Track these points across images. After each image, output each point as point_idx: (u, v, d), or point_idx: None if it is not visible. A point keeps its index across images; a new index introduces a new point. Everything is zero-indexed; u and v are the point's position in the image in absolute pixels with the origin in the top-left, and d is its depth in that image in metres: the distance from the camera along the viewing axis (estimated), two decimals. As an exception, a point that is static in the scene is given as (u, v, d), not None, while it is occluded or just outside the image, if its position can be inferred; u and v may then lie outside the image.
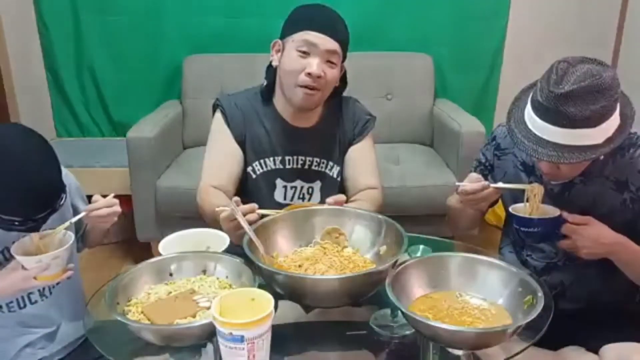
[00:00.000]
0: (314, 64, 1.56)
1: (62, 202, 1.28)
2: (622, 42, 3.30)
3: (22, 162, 1.20)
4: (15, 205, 1.21)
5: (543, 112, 1.25)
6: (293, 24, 1.61)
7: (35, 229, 1.28)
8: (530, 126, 1.29)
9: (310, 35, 1.56)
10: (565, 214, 1.32)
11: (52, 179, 1.26)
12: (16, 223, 1.23)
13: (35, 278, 1.24)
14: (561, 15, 3.28)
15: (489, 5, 3.21)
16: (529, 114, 1.29)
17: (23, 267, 1.25)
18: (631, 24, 3.24)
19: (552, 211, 1.35)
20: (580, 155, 1.24)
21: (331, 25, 1.59)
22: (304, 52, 1.57)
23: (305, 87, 1.59)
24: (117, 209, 1.40)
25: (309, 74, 1.57)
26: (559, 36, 3.30)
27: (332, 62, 1.59)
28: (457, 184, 1.44)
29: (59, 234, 1.30)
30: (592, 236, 1.31)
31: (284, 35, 1.63)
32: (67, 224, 1.32)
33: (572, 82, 1.21)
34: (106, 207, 1.38)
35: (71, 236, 1.29)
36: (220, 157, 1.70)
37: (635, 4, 3.20)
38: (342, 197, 1.52)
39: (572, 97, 1.20)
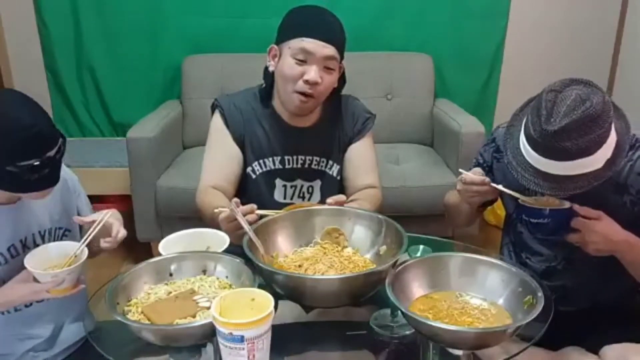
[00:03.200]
0: (311, 71, 1.56)
1: (64, 147, 1.30)
2: (622, 41, 3.30)
3: (17, 110, 1.23)
4: (25, 147, 1.22)
5: (538, 147, 1.24)
6: (288, 30, 1.59)
7: (54, 173, 1.29)
8: (527, 158, 1.28)
9: (306, 42, 1.55)
10: (577, 206, 1.30)
11: (47, 119, 1.28)
12: (36, 164, 1.23)
13: (47, 291, 1.25)
14: (561, 15, 3.28)
15: (489, 5, 3.21)
16: (525, 146, 1.28)
17: (35, 280, 1.24)
18: (631, 22, 3.24)
19: (563, 202, 1.32)
20: (583, 184, 1.24)
21: (327, 30, 1.57)
22: (300, 60, 1.56)
23: (302, 93, 1.59)
24: (122, 235, 1.38)
25: (306, 81, 1.56)
26: (559, 36, 3.30)
27: (329, 68, 1.59)
28: (460, 170, 1.44)
29: (72, 247, 1.30)
30: (602, 232, 1.29)
31: (279, 41, 1.61)
32: (79, 245, 1.31)
33: (563, 114, 1.19)
34: (114, 239, 1.37)
35: (85, 251, 1.29)
36: (220, 158, 1.70)
37: (635, 5, 3.21)
38: (342, 197, 1.52)
39: (565, 132, 1.19)
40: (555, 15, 3.28)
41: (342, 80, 1.71)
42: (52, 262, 1.29)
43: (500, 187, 1.40)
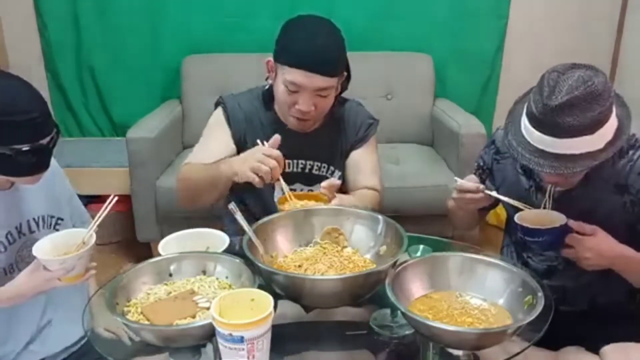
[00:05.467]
0: (302, 102, 1.56)
1: (57, 137, 1.32)
2: (623, 39, 3.30)
3: (13, 94, 1.25)
4: (16, 132, 1.24)
5: (540, 124, 1.24)
6: (282, 53, 1.57)
7: (44, 161, 1.30)
8: (529, 139, 1.28)
9: (298, 74, 1.52)
10: (572, 222, 1.30)
11: (44, 108, 1.29)
12: (25, 150, 1.25)
13: (58, 279, 1.24)
14: (561, 14, 3.28)
15: (489, 5, 3.21)
16: (526, 126, 1.29)
17: (45, 268, 1.24)
18: (631, 22, 3.24)
19: (558, 217, 1.32)
20: (584, 163, 1.23)
21: (321, 61, 1.53)
22: (292, 90, 1.55)
23: (297, 117, 1.60)
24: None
25: (299, 110, 1.57)
26: (559, 36, 3.30)
27: (322, 96, 1.58)
28: (455, 178, 1.45)
29: (80, 234, 1.29)
30: (596, 249, 1.29)
31: (275, 57, 1.60)
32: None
33: (565, 91, 1.20)
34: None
35: (93, 236, 1.28)
36: (212, 147, 1.69)
37: (635, 5, 3.20)
38: (335, 181, 1.52)
39: (567, 108, 1.19)
40: (555, 15, 3.28)
41: (346, 80, 1.70)
42: (61, 251, 1.27)
43: (494, 193, 1.39)
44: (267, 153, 1.45)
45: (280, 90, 1.59)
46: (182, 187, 1.68)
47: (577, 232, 1.31)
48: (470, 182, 1.42)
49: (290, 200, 1.52)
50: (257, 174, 1.44)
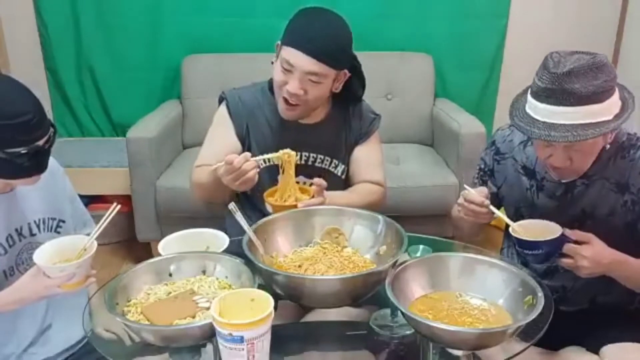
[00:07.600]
0: (292, 82, 1.57)
1: (54, 137, 1.31)
2: (623, 39, 3.30)
3: (6, 97, 1.24)
4: (11, 135, 1.23)
5: (548, 95, 1.25)
6: (287, 33, 1.59)
7: (42, 162, 1.30)
8: (537, 116, 1.28)
9: (292, 53, 1.54)
10: (568, 232, 1.30)
11: (38, 108, 1.28)
12: (23, 152, 1.24)
13: (58, 286, 1.23)
14: (561, 14, 3.28)
15: (489, 5, 3.21)
16: (532, 104, 1.29)
17: (45, 274, 1.23)
18: (631, 22, 3.24)
19: (554, 228, 1.31)
20: (595, 131, 1.23)
21: (316, 46, 1.54)
22: (285, 69, 1.57)
23: (286, 101, 1.61)
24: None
25: (287, 90, 1.58)
26: (559, 36, 3.29)
27: (314, 81, 1.58)
28: (465, 186, 1.44)
29: (82, 241, 1.29)
30: (592, 257, 1.29)
31: (281, 40, 1.61)
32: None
33: (571, 62, 1.23)
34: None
35: (94, 244, 1.27)
36: (217, 145, 1.71)
37: (636, 5, 3.20)
38: (321, 183, 1.52)
39: (574, 74, 1.22)
40: (555, 15, 3.28)
41: (361, 83, 1.75)
42: (62, 257, 1.26)
43: (498, 212, 1.38)
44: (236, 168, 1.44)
45: (275, 71, 1.61)
46: (196, 190, 1.71)
47: (574, 242, 1.30)
48: (480, 194, 1.39)
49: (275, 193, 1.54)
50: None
